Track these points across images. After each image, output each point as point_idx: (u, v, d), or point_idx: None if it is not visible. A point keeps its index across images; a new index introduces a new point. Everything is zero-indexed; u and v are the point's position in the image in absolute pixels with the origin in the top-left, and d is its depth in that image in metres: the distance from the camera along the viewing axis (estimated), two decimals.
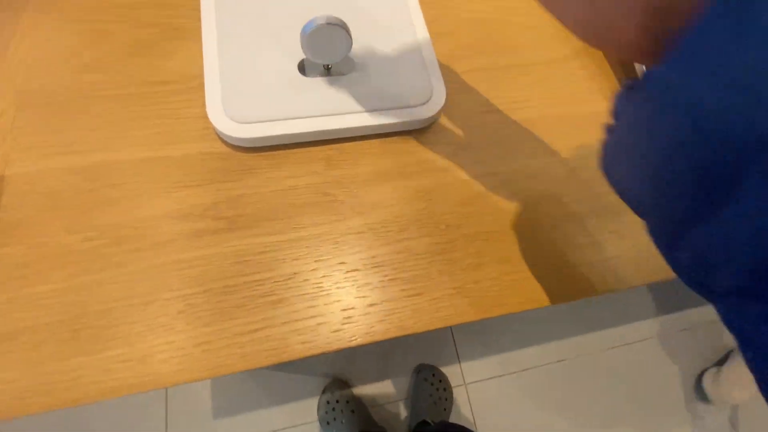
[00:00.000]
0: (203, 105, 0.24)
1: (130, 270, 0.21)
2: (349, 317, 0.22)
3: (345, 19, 0.26)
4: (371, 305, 0.22)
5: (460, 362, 1.13)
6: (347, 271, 0.23)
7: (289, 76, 0.25)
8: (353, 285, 0.22)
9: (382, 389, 1.10)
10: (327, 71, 0.26)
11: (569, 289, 0.24)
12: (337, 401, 1.03)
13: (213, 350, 0.20)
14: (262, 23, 0.26)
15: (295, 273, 0.22)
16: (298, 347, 0.21)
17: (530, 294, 0.24)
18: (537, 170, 0.27)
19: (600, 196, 0.27)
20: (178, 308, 0.21)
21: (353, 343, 0.21)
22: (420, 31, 0.28)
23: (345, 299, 0.22)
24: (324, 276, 0.22)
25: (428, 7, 0.31)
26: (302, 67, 0.26)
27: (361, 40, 0.27)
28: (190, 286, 0.21)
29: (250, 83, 0.25)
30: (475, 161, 0.27)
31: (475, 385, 1.13)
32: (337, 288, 0.22)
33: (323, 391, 0.99)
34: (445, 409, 1.04)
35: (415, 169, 0.26)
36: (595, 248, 0.25)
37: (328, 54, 0.24)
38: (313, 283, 0.22)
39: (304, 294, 0.22)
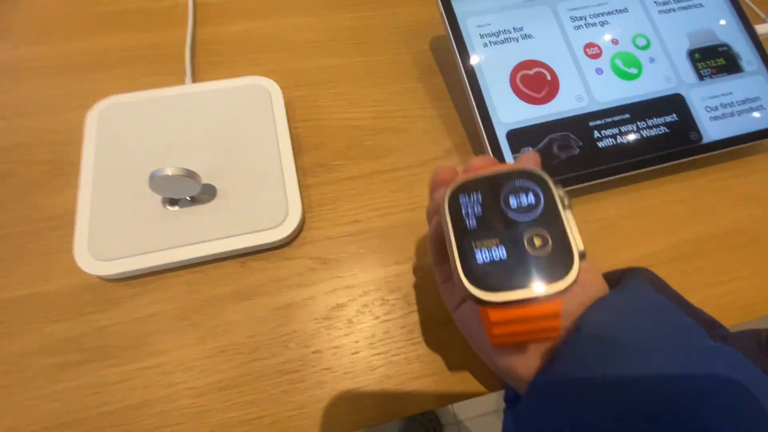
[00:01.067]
0: None
1: None
2: None
3: (213, 148, 0.29)
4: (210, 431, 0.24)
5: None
6: (193, 397, 0.25)
7: (154, 210, 0.28)
8: (197, 411, 0.24)
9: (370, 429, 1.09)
10: (190, 201, 0.28)
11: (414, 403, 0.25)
12: None
13: None
14: (135, 160, 0.29)
15: (146, 401, 0.24)
16: None
17: (369, 413, 0.25)
18: (396, 281, 0.28)
19: None
20: None
21: None
22: (284, 150, 0.30)
23: (186, 427, 0.24)
24: (170, 403, 0.24)
25: (303, 118, 0.34)
26: (167, 200, 0.28)
27: (227, 167, 0.30)
28: (50, 419, 0.24)
29: (116, 218, 0.27)
30: (332, 276, 0.28)
31: (468, 422, 1.10)
32: (181, 415, 0.24)
33: None
34: None
35: (273, 287, 0.28)
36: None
37: (178, 193, 0.27)
38: (158, 412, 0.24)
39: (148, 424, 0.24)
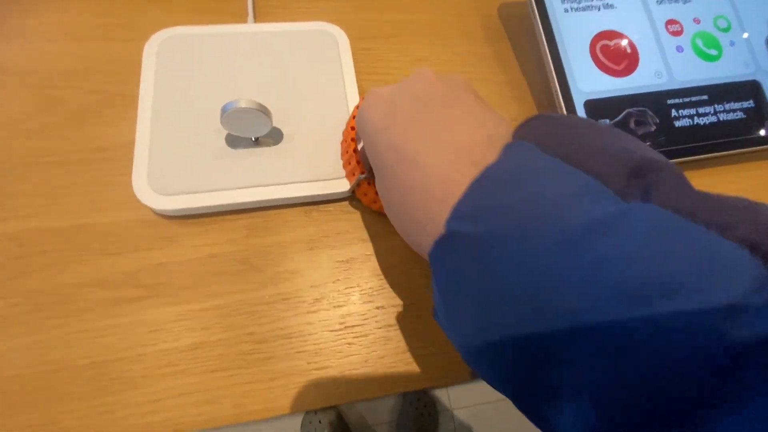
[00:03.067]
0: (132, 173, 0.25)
1: (46, 337, 0.23)
2: (249, 392, 0.23)
3: (278, 91, 0.28)
4: (273, 379, 0.23)
5: (447, 387, 1.12)
6: (255, 343, 0.24)
7: (216, 148, 0.26)
8: (258, 357, 0.23)
9: (367, 412, 1.10)
10: (255, 142, 0.27)
11: None
12: (320, 422, 1.03)
13: (114, 420, 0.21)
14: (197, 95, 0.28)
15: (202, 342, 0.23)
16: (196, 419, 0.22)
17: (437, 371, 0.24)
18: None
19: None
20: (86, 376, 0.22)
21: (252, 418, 0.22)
22: (352, 102, 0.29)
23: (247, 373, 0.23)
24: (228, 347, 0.23)
25: (367, 71, 0.32)
26: (230, 139, 0.27)
27: (293, 111, 0.28)
28: (102, 355, 0.23)
29: (177, 154, 0.26)
30: (395, 232, 0.27)
31: (462, 410, 1.11)
32: (240, 360, 0.23)
33: (306, 411, 0.99)
34: None
35: (336, 239, 0.27)
36: None
37: (247, 131, 0.25)
38: (217, 355, 0.23)
39: (204, 366, 0.23)
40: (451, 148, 0.17)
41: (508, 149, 0.16)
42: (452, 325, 0.15)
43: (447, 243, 0.15)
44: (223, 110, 0.24)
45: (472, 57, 0.34)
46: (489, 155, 0.16)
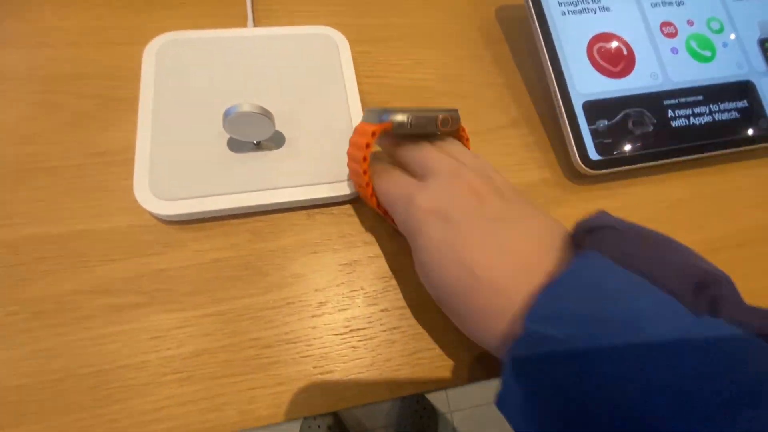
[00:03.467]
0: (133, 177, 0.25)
1: (47, 346, 0.22)
2: (255, 398, 0.22)
3: (279, 95, 0.28)
4: (279, 384, 0.23)
5: (446, 389, 1.12)
6: (259, 348, 0.23)
7: (218, 152, 0.26)
8: (263, 362, 0.23)
9: (365, 415, 1.09)
10: (256, 146, 0.27)
11: (489, 366, 0.24)
12: (319, 426, 1.02)
13: (119, 429, 0.21)
14: (197, 99, 0.28)
15: (205, 349, 0.23)
16: (201, 426, 0.21)
17: (445, 373, 0.24)
18: None
19: None
20: (90, 384, 0.22)
21: (258, 424, 0.22)
22: (353, 106, 0.29)
23: (251, 378, 0.23)
24: (233, 353, 0.23)
25: (367, 74, 0.33)
26: (232, 143, 0.27)
27: (294, 115, 0.28)
28: (105, 363, 0.22)
29: (178, 158, 0.26)
30: (399, 234, 0.27)
31: (461, 413, 1.11)
32: (245, 366, 0.23)
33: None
34: None
35: (340, 242, 0.27)
36: None
37: (250, 135, 0.25)
38: (221, 361, 0.23)
39: (208, 372, 0.22)
40: (513, 256, 0.19)
41: (582, 259, 0.17)
42: (527, 420, 0.16)
43: (527, 342, 0.16)
44: (226, 114, 0.24)
45: (471, 60, 0.35)
46: (547, 262, 0.18)
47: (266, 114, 0.24)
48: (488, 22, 0.37)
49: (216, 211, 0.25)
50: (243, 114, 0.23)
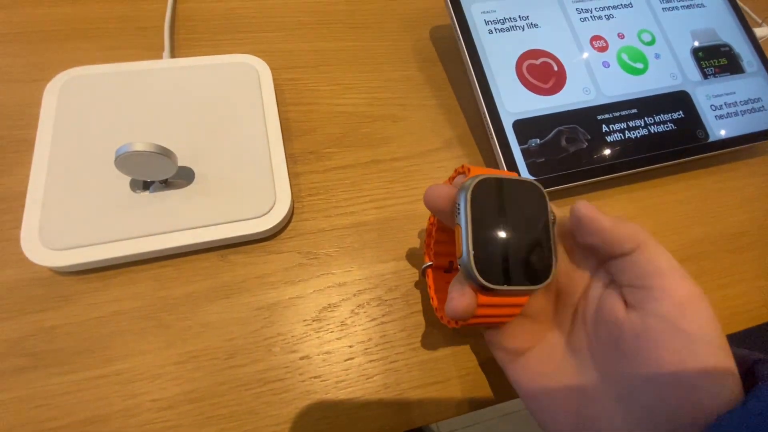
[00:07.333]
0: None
1: None
2: None
3: (190, 129, 0.26)
4: None
5: None
6: (158, 410, 0.21)
7: (119, 194, 0.24)
8: (162, 427, 0.21)
9: None
10: (164, 185, 0.25)
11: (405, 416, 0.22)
12: None
13: None
14: (99, 139, 0.26)
15: (99, 415, 0.21)
16: None
17: (365, 426, 0.22)
18: (395, 279, 0.26)
19: None
20: None
21: None
22: (272, 133, 0.28)
23: None
24: (130, 418, 0.21)
25: (293, 102, 0.31)
26: (135, 183, 0.25)
27: (207, 149, 0.26)
28: None
29: (74, 203, 0.24)
30: (323, 272, 0.25)
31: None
32: None
33: None
34: None
35: (256, 283, 0.25)
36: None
37: (150, 174, 0.23)
38: (115, 429, 0.20)
39: None
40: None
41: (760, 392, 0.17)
42: None
43: None
44: (116, 154, 0.22)
45: (404, 82, 0.34)
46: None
47: (163, 152, 0.22)
48: (422, 42, 0.36)
49: (115, 258, 0.23)
50: (135, 153, 0.22)
